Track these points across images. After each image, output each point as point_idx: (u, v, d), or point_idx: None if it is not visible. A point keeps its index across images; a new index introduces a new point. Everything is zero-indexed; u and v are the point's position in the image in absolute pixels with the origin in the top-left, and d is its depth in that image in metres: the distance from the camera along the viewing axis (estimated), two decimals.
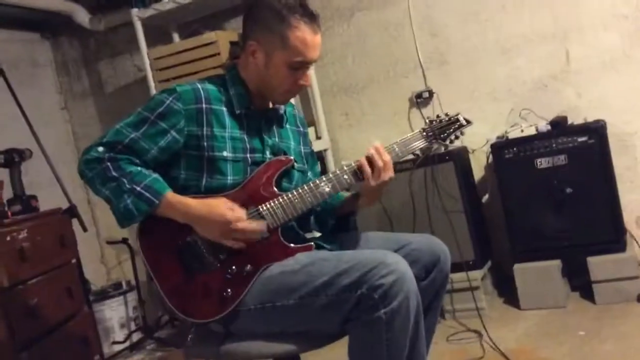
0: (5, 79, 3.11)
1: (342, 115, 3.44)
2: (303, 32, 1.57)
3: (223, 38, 3.12)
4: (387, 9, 3.26)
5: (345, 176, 1.61)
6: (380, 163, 1.59)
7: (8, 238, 2.14)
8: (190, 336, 1.64)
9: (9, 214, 2.27)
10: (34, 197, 2.53)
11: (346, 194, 1.76)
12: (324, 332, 1.54)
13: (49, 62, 3.97)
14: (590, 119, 2.80)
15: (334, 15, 3.34)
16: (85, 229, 2.81)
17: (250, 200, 1.59)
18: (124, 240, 3.66)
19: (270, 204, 1.59)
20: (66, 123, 3.98)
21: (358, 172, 1.61)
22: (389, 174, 1.60)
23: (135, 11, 3.29)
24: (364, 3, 3.30)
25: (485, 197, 3.18)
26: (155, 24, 3.43)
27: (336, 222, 1.79)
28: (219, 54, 3.08)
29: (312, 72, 3.26)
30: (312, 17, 1.59)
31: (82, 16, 3.64)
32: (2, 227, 2.14)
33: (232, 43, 3.13)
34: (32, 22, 3.75)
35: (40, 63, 3.88)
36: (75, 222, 2.80)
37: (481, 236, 2.98)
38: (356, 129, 3.41)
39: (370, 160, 1.60)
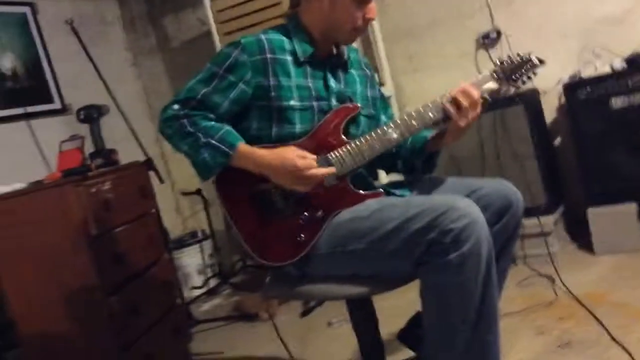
0: (77, 35, 3.22)
1: (405, 59, 3.39)
2: None
3: None
4: None
5: (414, 122, 1.62)
6: (466, 103, 1.57)
7: (93, 190, 2.26)
8: (268, 277, 1.72)
9: (93, 166, 2.39)
10: (114, 151, 2.66)
11: (429, 133, 1.75)
12: (395, 276, 1.57)
13: (117, 19, 4.06)
14: None
15: None
16: (162, 181, 2.94)
17: (318, 148, 1.62)
18: (198, 192, 3.81)
19: (338, 151, 1.62)
20: (136, 79, 4.10)
21: (439, 114, 1.60)
22: (477, 111, 1.59)
23: None
24: None
25: (558, 140, 3.10)
26: None
27: (422, 163, 1.79)
28: (280, 3, 3.08)
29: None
30: None
31: None
32: (88, 180, 2.26)
33: None
34: None
35: (108, 20, 3.99)
36: (151, 175, 2.93)
37: (553, 180, 2.92)
38: (421, 73, 3.36)
39: (456, 101, 1.58)
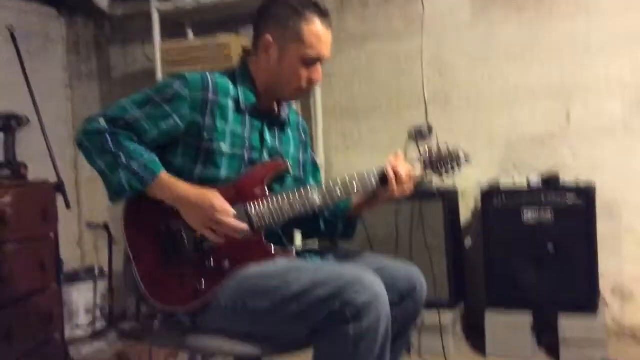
0: (15, 44, 3.11)
1: (340, 136, 3.47)
2: (317, 27, 1.62)
3: (236, 42, 3.16)
4: (400, 42, 3.31)
5: (338, 190, 1.63)
6: (403, 174, 1.62)
7: None
8: (156, 322, 1.63)
9: None
10: (24, 165, 2.53)
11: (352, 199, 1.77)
12: (289, 340, 1.54)
13: (61, 39, 3.97)
14: (581, 180, 2.84)
15: (347, 39, 3.38)
16: (68, 206, 2.79)
17: (239, 196, 1.60)
18: (105, 226, 3.64)
19: (258, 203, 1.60)
20: (67, 101, 3.98)
21: (362, 187, 1.63)
22: (410, 186, 1.64)
23: (155, 3, 3.31)
24: (378, 33, 3.36)
25: (468, 240, 3.20)
26: (172, 18, 3.46)
27: (344, 226, 1.80)
28: (230, 56, 3.11)
29: (317, 89, 3.33)
30: (325, 14, 1.65)
31: None
32: None
33: (244, 50, 3.16)
34: None
35: (52, 38, 3.89)
36: (59, 200, 2.79)
37: (458, 278, 2.99)
38: (352, 151, 3.44)
39: (394, 171, 1.62)
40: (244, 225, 1.55)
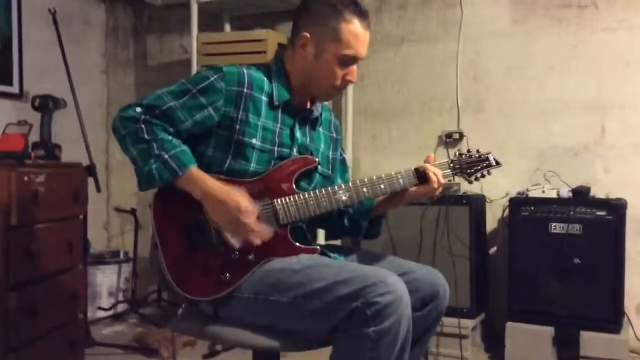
0: (56, 27, 3.18)
1: (369, 137, 3.46)
2: (355, 27, 1.62)
3: (273, 38, 3.17)
4: (436, 45, 3.30)
5: (365, 190, 1.63)
6: (434, 178, 1.64)
7: (25, 179, 2.17)
8: (180, 310, 1.65)
9: (32, 155, 2.31)
10: (59, 147, 2.58)
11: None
12: (309, 336, 1.55)
13: (101, 25, 4.05)
14: (612, 196, 2.79)
15: (383, 40, 3.38)
16: (99, 189, 2.85)
17: (267, 191, 1.61)
18: (133, 211, 3.70)
19: (285, 199, 1.61)
20: (103, 86, 4.05)
21: (390, 188, 1.64)
22: (440, 189, 1.67)
23: None
24: (415, 35, 3.34)
25: (493, 249, 3.16)
26: (210, 10, 3.49)
27: (368, 225, 1.80)
28: (265, 52, 3.12)
29: (350, 89, 3.33)
30: (364, 14, 1.64)
31: None
32: (22, 167, 2.17)
33: (280, 45, 3.18)
34: None
35: (92, 23, 3.96)
36: (90, 182, 2.84)
37: (481, 287, 2.97)
38: (381, 153, 3.43)
39: (427, 172, 1.65)
40: (267, 231, 1.56)
